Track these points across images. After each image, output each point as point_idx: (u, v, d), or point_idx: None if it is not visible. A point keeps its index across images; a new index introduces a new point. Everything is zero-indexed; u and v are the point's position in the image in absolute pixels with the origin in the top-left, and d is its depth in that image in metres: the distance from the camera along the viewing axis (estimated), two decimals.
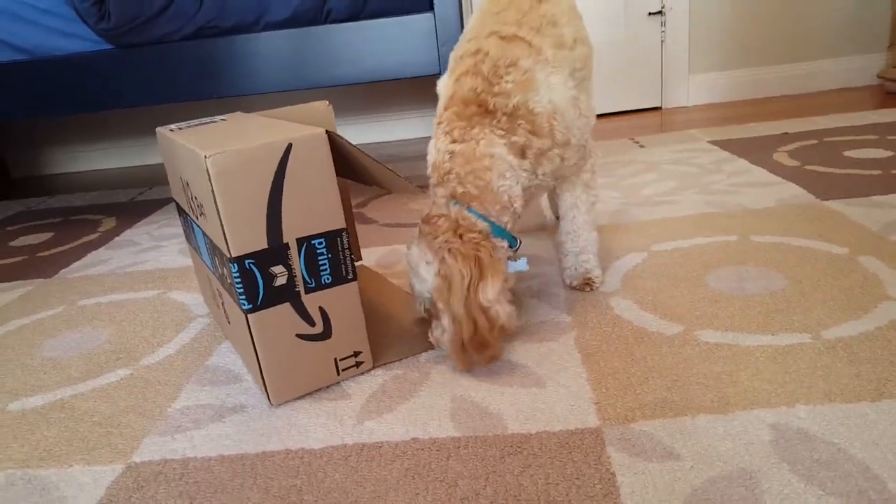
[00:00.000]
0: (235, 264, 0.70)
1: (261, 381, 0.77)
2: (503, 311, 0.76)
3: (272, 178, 0.70)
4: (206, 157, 0.66)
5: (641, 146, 1.86)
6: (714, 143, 1.77)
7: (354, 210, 1.55)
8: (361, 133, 2.53)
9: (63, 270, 1.37)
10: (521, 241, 0.87)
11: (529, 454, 0.63)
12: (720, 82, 2.43)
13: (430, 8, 1.41)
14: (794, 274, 0.94)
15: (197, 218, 0.83)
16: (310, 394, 0.79)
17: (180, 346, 0.96)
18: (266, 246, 0.71)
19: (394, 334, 0.90)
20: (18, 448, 0.75)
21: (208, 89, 1.54)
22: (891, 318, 0.80)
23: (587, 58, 0.92)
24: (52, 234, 1.70)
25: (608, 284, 0.98)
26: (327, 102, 1.00)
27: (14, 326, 1.10)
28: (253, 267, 0.71)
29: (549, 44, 0.85)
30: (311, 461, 0.67)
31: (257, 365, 0.75)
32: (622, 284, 0.98)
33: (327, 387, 0.80)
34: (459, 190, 0.80)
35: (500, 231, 0.82)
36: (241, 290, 0.71)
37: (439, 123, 0.85)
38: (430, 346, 0.85)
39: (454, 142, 0.81)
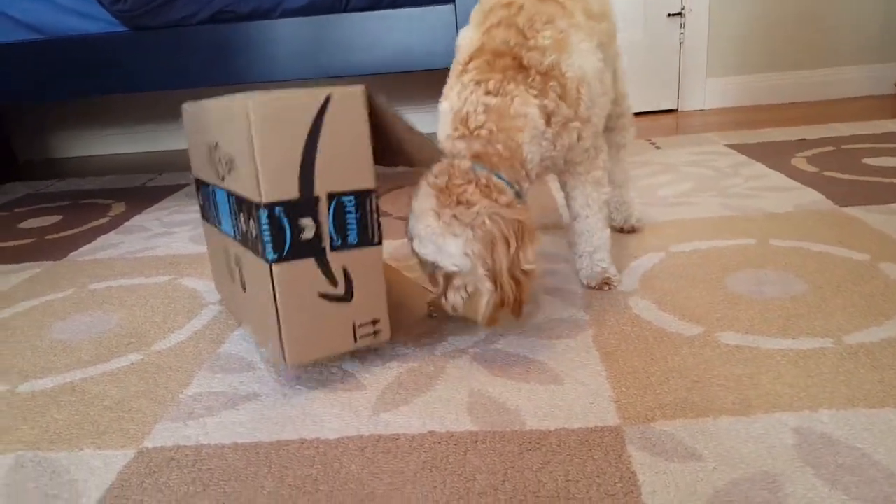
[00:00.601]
0: (266, 210, 0.69)
1: (277, 340, 0.74)
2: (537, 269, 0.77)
3: (308, 130, 0.70)
4: (248, 103, 0.67)
5: (658, 147, 1.85)
6: (731, 146, 1.76)
7: None
8: None
9: (72, 253, 1.37)
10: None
11: (548, 451, 0.63)
12: (737, 86, 2.41)
13: (451, 0, 1.40)
14: (814, 279, 0.93)
15: (223, 180, 0.82)
16: (323, 384, 0.78)
17: (192, 332, 0.95)
18: (298, 195, 0.71)
19: (404, 321, 0.89)
20: (28, 430, 0.74)
21: (223, 75, 1.53)
22: None
23: (612, 35, 0.91)
24: (60, 216, 1.69)
25: (626, 284, 0.97)
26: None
27: (23, 308, 1.10)
28: (282, 215, 0.70)
29: (580, 9, 0.83)
30: (327, 451, 0.66)
31: (276, 321, 0.73)
32: (640, 284, 0.97)
33: (342, 367, 0.79)
34: (489, 150, 0.76)
35: (521, 198, 0.79)
36: (269, 239, 0.70)
37: (464, 72, 0.81)
38: (436, 339, 0.85)
39: (488, 93, 0.77)
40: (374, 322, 0.79)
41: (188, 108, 0.92)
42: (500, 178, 0.76)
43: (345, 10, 1.46)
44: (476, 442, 0.65)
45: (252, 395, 0.77)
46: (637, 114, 2.38)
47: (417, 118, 2.51)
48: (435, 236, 0.74)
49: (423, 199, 0.75)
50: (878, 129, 1.81)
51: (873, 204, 1.21)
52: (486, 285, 0.72)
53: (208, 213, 0.95)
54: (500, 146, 0.76)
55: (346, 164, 0.73)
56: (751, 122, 2.09)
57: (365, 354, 0.84)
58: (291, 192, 0.71)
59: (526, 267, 0.73)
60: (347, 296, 0.76)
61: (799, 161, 1.56)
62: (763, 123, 2.06)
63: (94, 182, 2.09)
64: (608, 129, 1.05)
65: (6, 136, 2.54)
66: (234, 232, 0.82)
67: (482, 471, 0.61)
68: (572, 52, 0.79)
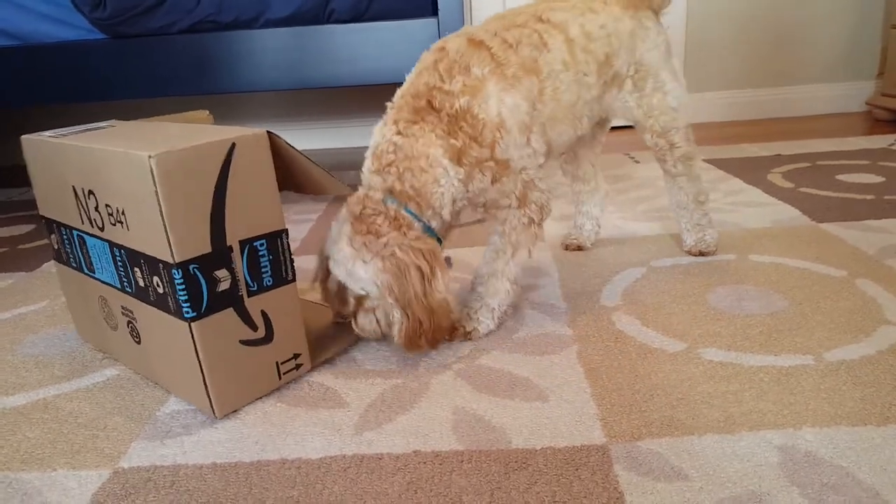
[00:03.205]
0: (179, 270, 0.67)
1: (203, 393, 0.73)
2: (453, 300, 0.80)
3: (216, 179, 0.68)
4: (149, 156, 0.63)
5: (636, 161, 1.87)
6: (708, 161, 1.78)
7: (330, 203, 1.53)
8: (358, 136, 2.51)
9: (46, 264, 1.33)
10: (443, 243, 0.86)
11: (535, 470, 0.62)
12: (713, 102, 2.45)
13: (434, 13, 1.41)
14: (793, 295, 0.94)
15: (101, 230, 0.77)
16: (305, 402, 0.77)
17: None
18: (210, 250, 0.69)
19: (316, 335, 0.88)
20: None
21: (204, 85, 1.51)
22: (891, 342, 0.80)
23: (557, 102, 0.87)
24: (33, 226, 1.65)
25: (609, 299, 0.98)
26: (208, 112, 0.98)
27: None
28: (197, 272, 0.69)
29: (516, 62, 0.83)
30: (309, 472, 0.64)
31: (200, 376, 0.72)
32: (623, 299, 0.97)
33: (323, 383, 0.78)
34: (397, 187, 0.79)
35: (431, 233, 0.82)
36: (186, 298, 0.68)
37: (391, 108, 0.84)
38: (357, 339, 0.89)
39: (398, 133, 0.80)
40: (296, 356, 0.80)
41: (35, 140, 0.85)
42: (409, 212, 0.79)
43: (327, 22, 1.45)
44: (461, 461, 0.64)
45: (231, 413, 0.76)
46: (616, 128, 2.41)
47: None
48: (346, 260, 0.78)
49: (341, 224, 0.80)
50: (851, 147, 1.85)
51: (849, 220, 1.23)
52: (397, 314, 0.77)
53: (67, 258, 0.89)
54: (407, 184, 0.79)
55: (255, 208, 0.72)
56: (727, 138, 2.12)
57: (347, 371, 0.83)
58: (203, 246, 0.69)
59: (438, 296, 0.77)
60: (268, 338, 0.76)
61: (775, 177, 1.59)
62: (739, 139, 2.09)
63: None
64: (657, 159, 1.05)
65: None
66: (122, 285, 0.79)
67: (468, 491, 0.60)
68: (488, 97, 0.80)
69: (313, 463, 0.66)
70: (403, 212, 0.79)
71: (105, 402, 0.80)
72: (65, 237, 0.87)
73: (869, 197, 1.37)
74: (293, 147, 0.75)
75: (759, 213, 1.32)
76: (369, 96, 2.46)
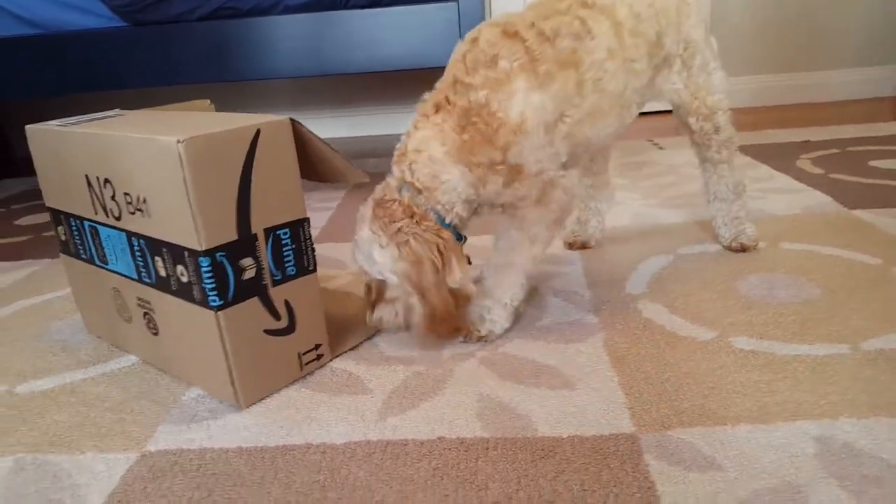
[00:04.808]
0: (208, 258, 0.66)
1: (227, 384, 0.72)
2: (471, 288, 0.78)
3: (242, 166, 0.67)
4: (178, 141, 0.62)
5: (660, 148, 1.84)
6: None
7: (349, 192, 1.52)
8: (377, 123, 2.50)
9: None
10: (465, 238, 0.84)
11: (562, 459, 0.61)
12: (738, 88, 2.40)
13: None
14: (826, 283, 0.92)
15: (118, 219, 0.76)
16: (329, 388, 0.76)
17: None
18: (237, 237, 0.69)
19: (339, 326, 0.87)
20: (28, 432, 0.72)
21: (223, 72, 1.51)
22: None
23: (601, 94, 0.82)
24: None
25: (635, 286, 0.96)
26: (209, 101, 0.96)
27: (20, 307, 1.07)
28: (224, 260, 0.68)
29: (552, 56, 0.78)
30: (334, 457, 0.64)
31: (225, 366, 0.71)
32: (649, 287, 0.95)
33: (346, 369, 0.77)
34: (409, 178, 0.78)
35: (446, 226, 0.79)
36: (213, 286, 0.67)
37: (423, 101, 0.82)
38: (378, 331, 0.87)
39: (414, 125, 0.79)
40: (317, 346, 0.79)
41: (40, 130, 0.84)
42: (421, 203, 0.78)
43: (346, 7, 1.44)
44: (487, 449, 0.63)
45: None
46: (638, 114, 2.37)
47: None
48: (364, 243, 0.78)
49: (364, 209, 0.80)
50: (882, 132, 1.80)
51: (883, 207, 1.20)
52: (414, 300, 0.76)
53: (77, 250, 0.88)
54: (415, 176, 0.78)
55: (279, 196, 0.72)
56: (754, 124, 2.08)
57: (369, 357, 0.82)
58: (230, 233, 0.68)
59: (453, 286, 0.76)
60: (291, 328, 0.76)
61: (804, 163, 1.55)
62: (766, 125, 2.05)
63: None
64: (697, 144, 1.01)
65: (3, 131, 2.51)
66: (140, 275, 0.77)
67: (495, 479, 0.59)
68: (512, 94, 0.76)
69: (338, 448, 0.65)
70: (416, 202, 0.78)
71: (131, 386, 0.80)
72: (74, 228, 0.86)
73: None
74: (314, 134, 0.74)
75: (789, 199, 1.29)
76: (389, 83, 2.44)
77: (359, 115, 2.50)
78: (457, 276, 0.76)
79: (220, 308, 0.68)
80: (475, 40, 0.80)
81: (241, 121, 0.70)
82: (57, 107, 2.56)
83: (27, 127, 0.86)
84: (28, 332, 0.97)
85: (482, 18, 1.38)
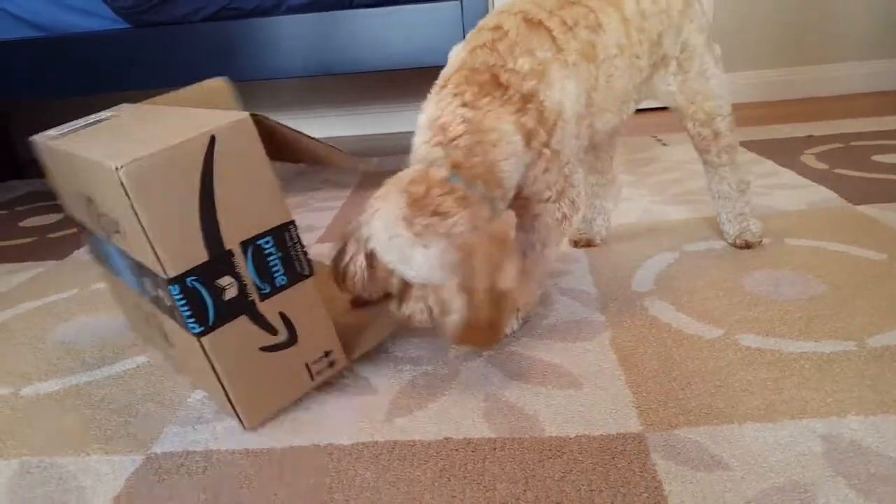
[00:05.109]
0: (176, 285, 0.61)
1: (229, 407, 0.69)
2: (521, 293, 0.72)
3: (199, 180, 0.61)
4: (116, 168, 0.56)
5: (664, 144, 1.83)
6: (739, 143, 1.74)
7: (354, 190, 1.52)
8: (382, 122, 2.50)
9: (76, 252, 1.35)
10: None
11: (570, 458, 0.61)
12: (742, 82, 2.39)
13: None
14: (832, 279, 0.91)
15: (109, 237, 0.72)
16: (335, 388, 0.76)
17: None
18: (207, 257, 0.62)
19: (352, 328, 0.81)
20: (33, 435, 0.72)
21: (227, 73, 1.50)
22: None
23: (610, 90, 0.82)
24: (62, 215, 1.67)
25: (641, 284, 0.96)
26: (225, 78, 0.89)
27: (25, 309, 1.08)
28: (197, 284, 0.62)
29: (575, 48, 0.78)
30: (341, 458, 0.64)
31: (221, 390, 0.67)
32: (656, 284, 0.95)
33: (353, 370, 0.77)
34: (467, 162, 0.71)
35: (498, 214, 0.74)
36: (189, 313, 0.62)
37: (444, 87, 0.77)
38: (396, 329, 0.81)
39: (464, 105, 0.73)
40: (327, 353, 0.74)
41: (41, 142, 0.80)
42: (477, 191, 0.71)
43: (350, 7, 1.44)
44: (494, 449, 0.63)
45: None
46: (642, 110, 2.37)
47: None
48: (402, 245, 0.68)
49: (393, 205, 0.69)
50: (886, 126, 1.79)
51: (887, 202, 1.19)
52: (457, 302, 0.68)
53: (100, 257, 0.85)
54: (477, 159, 0.71)
55: (252, 204, 0.65)
56: (756, 119, 2.07)
57: (375, 357, 0.82)
58: (199, 255, 0.62)
59: (504, 286, 0.68)
60: (291, 340, 0.70)
61: (808, 158, 1.55)
62: (769, 120, 2.04)
63: None
64: (697, 148, 1.00)
65: (7, 133, 2.51)
66: (141, 291, 0.74)
67: (502, 479, 0.59)
68: (552, 84, 0.76)
69: (345, 449, 0.65)
70: (472, 190, 0.70)
71: (136, 388, 0.80)
72: (90, 238, 0.84)
73: None
74: (287, 126, 0.68)
75: (794, 195, 1.28)
76: (394, 82, 2.44)
77: (363, 114, 2.50)
78: (509, 276, 0.68)
79: (201, 334, 0.64)
80: (499, 28, 0.78)
81: (195, 127, 0.62)
82: (61, 108, 2.57)
83: (31, 139, 0.84)
84: (32, 335, 0.98)
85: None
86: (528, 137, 0.75)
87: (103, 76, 1.54)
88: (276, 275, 0.68)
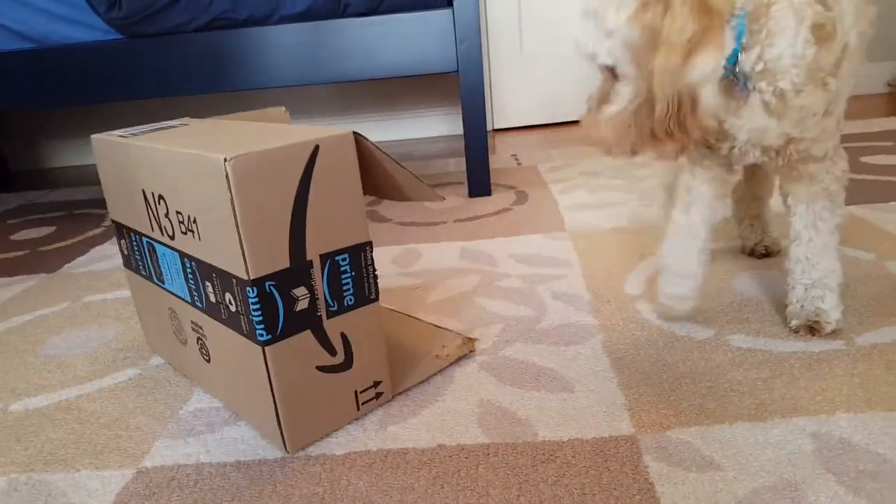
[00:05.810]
0: (255, 288, 0.61)
1: (274, 424, 0.66)
2: (713, 100, 0.60)
3: (297, 185, 0.62)
4: (225, 159, 0.57)
5: None
6: None
7: (368, 207, 1.53)
8: (374, 130, 2.51)
9: (67, 265, 1.34)
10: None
11: (563, 462, 0.61)
12: None
13: (449, 4, 1.39)
14: None
15: (171, 238, 0.72)
16: None
17: None
18: (288, 265, 0.62)
19: (408, 362, 0.80)
20: (22, 451, 0.72)
21: (220, 83, 1.51)
22: None
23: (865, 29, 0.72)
24: (54, 227, 1.66)
25: (633, 287, 0.96)
26: (284, 108, 0.92)
27: (16, 323, 1.07)
28: (273, 290, 0.62)
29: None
30: (333, 468, 0.64)
31: (273, 405, 0.65)
32: (648, 288, 0.95)
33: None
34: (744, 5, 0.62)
35: (733, 63, 0.64)
36: (260, 318, 0.62)
37: None
38: (443, 365, 0.79)
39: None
40: (377, 384, 0.73)
41: (104, 140, 0.80)
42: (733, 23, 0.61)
43: (342, 16, 1.44)
44: (488, 455, 0.63)
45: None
46: None
47: (416, 123, 2.50)
48: (600, 9, 0.61)
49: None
50: (873, 128, 1.81)
51: (875, 202, 1.20)
52: (627, 88, 0.60)
53: (137, 265, 0.84)
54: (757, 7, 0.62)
55: (338, 218, 0.65)
56: None
57: None
58: (282, 261, 0.62)
59: (691, 80, 0.58)
60: (347, 363, 0.69)
61: None
62: None
63: (89, 192, 2.06)
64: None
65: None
66: (193, 298, 0.73)
67: (495, 485, 0.59)
68: (843, 15, 0.66)
69: (338, 459, 0.65)
70: (720, 4, 0.59)
71: (127, 401, 0.80)
72: (135, 243, 0.82)
73: (894, 179, 1.34)
74: (379, 148, 0.67)
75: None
76: (389, 90, 2.44)
77: (356, 123, 2.50)
78: (704, 66, 0.58)
79: (267, 343, 0.63)
80: None
81: (299, 135, 0.64)
82: (57, 121, 2.57)
83: (93, 137, 0.84)
84: (23, 349, 0.97)
85: (477, 26, 1.38)
86: (818, 35, 0.64)
87: (95, 87, 1.54)
88: (346, 293, 0.68)
